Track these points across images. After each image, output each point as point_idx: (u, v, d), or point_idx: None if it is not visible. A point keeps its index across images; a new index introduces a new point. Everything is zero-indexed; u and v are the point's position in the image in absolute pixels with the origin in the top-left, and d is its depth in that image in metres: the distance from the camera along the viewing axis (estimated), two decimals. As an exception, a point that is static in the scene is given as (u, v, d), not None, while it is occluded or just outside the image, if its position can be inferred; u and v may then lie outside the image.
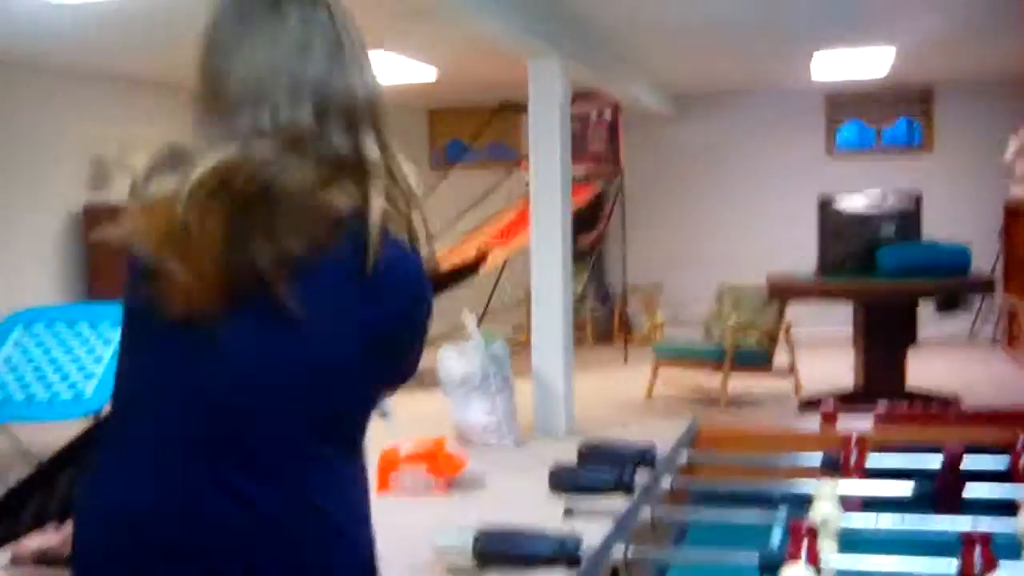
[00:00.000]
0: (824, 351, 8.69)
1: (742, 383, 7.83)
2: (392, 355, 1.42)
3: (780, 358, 7.96)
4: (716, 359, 7.66)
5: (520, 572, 1.45)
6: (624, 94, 9.36)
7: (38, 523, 3.52)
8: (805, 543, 1.31)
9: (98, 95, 8.97)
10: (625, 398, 8.00)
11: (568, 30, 7.05)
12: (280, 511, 1.33)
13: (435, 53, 8.31)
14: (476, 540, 1.42)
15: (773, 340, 7.89)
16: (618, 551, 1.35)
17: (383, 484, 5.49)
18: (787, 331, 7.93)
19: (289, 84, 1.35)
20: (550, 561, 1.39)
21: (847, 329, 7.52)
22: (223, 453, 1.32)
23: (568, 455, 1.85)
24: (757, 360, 7.82)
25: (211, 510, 1.31)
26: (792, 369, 7.93)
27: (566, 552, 1.38)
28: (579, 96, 8.81)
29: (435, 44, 7.86)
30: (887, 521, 1.52)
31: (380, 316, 1.37)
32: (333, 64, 1.38)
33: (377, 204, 1.34)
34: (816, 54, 8.77)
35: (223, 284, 1.29)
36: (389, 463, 5.54)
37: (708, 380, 7.81)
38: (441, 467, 5.57)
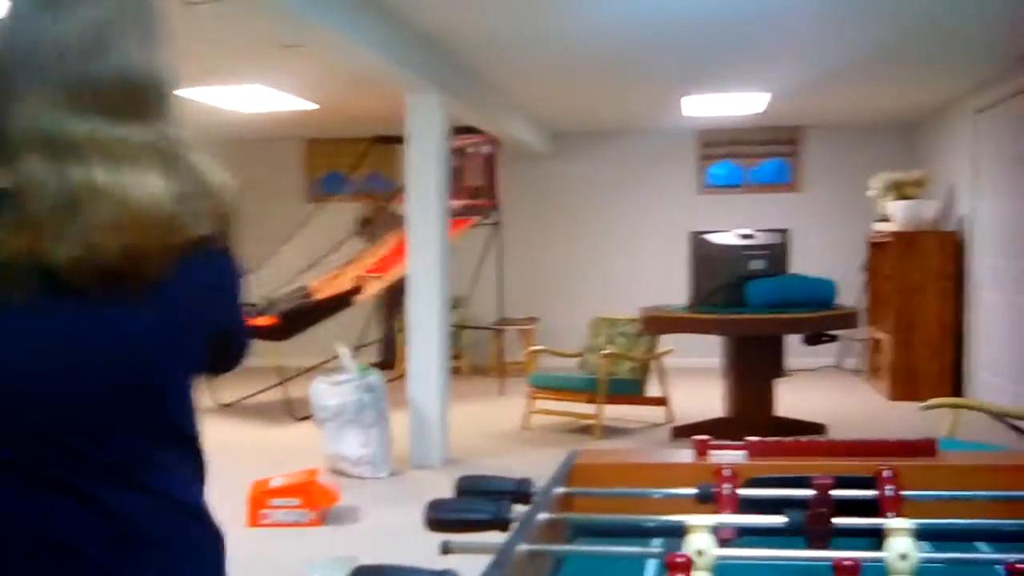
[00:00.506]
0: (695, 381, 8.85)
1: (616, 412, 7.90)
2: (202, 344, 1.37)
3: (653, 388, 8.08)
4: (590, 389, 7.72)
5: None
6: (502, 130, 9.42)
7: None
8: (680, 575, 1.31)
9: None
10: (501, 429, 8.00)
11: (447, 66, 7.07)
12: (129, 509, 1.28)
13: (313, 87, 8.24)
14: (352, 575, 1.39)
15: (645, 370, 7.99)
16: (495, 586, 1.33)
17: (254, 518, 5.37)
18: (659, 361, 8.04)
19: (87, 65, 1.29)
20: (426, 598, 1.36)
21: (718, 360, 7.67)
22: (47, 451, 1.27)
23: (444, 487, 1.83)
24: (630, 389, 7.91)
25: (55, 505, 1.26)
26: (664, 399, 8.04)
27: (443, 588, 1.36)
28: (457, 131, 8.83)
29: (312, 78, 7.79)
30: (761, 552, 1.53)
31: (193, 315, 1.33)
32: (139, 47, 1.33)
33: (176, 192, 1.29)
34: (686, 98, 8.98)
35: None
36: (260, 496, 5.43)
37: (583, 410, 7.86)
38: (314, 500, 5.47)
